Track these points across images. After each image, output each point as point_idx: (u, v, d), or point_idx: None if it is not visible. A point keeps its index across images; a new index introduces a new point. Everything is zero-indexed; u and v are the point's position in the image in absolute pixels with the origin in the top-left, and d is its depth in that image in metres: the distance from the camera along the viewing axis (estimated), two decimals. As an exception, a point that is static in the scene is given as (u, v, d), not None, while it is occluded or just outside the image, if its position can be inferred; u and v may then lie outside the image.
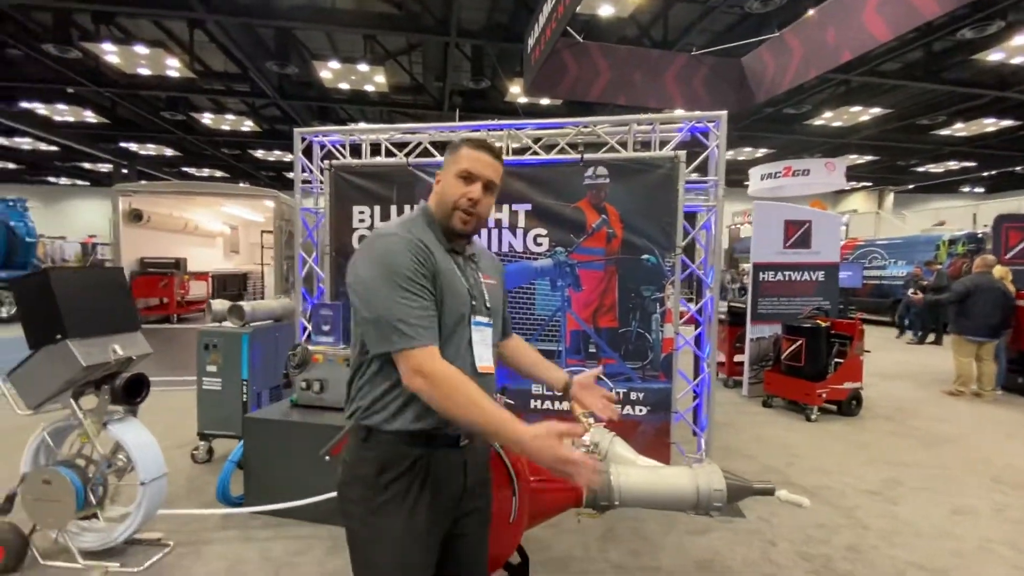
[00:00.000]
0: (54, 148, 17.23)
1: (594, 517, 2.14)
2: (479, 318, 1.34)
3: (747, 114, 12.42)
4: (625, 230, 3.30)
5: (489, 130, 3.54)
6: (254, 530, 2.88)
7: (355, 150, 3.74)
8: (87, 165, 20.32)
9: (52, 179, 23.89)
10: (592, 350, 3.37)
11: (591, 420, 2.51)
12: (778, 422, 4.98)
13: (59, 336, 2.37)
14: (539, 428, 1.08)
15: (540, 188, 3.35)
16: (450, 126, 3.50)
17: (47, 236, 16.60)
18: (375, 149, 3.65)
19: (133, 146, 17.45)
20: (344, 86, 12.10)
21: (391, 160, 3.47)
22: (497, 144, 3.58)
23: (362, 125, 3.38)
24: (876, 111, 12.71)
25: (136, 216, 6.78)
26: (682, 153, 3.22)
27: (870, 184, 22.30)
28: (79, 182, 24.36)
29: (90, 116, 14.28)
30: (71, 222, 23.56)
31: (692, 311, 3.47)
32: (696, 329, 3.63)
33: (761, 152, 17.33)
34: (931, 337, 10.39)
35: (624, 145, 3.41)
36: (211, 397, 3.75)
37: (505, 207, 3.37)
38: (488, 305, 1.38)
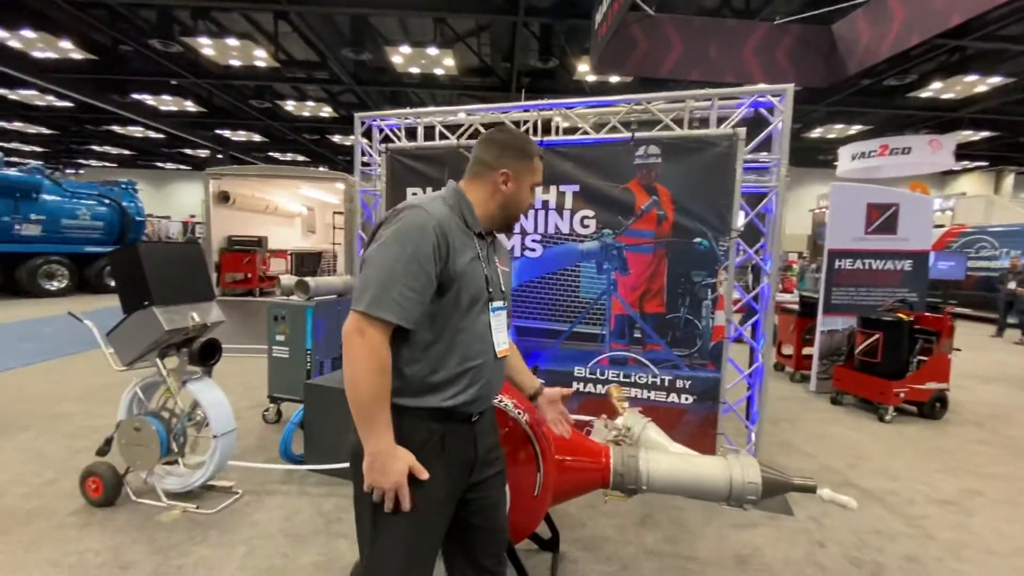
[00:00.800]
0: (161, 136, 19.05)
1: (621, 500, 2.14)
2: (496, 303, 1.39)
3: (841, 87, 11.38)
4: (677, 212, 3.19)
5: (540, 110, 3.52)
6: (310, 486, 3.13)
7: (412, 133, 3.86)
8: (188, 151, 22.30)
9: (160, 164, 26.44)
10: (637, 335, 3.31)
11: (626, 404, 2.51)
12: (846, 421, 4.65)
13: (147, 303, 2.68)
14: (401, 455, 1.20)
15: (588, 169, 3.30)
16: (500, 107, 3.51)
17: (155, 216, 18.47)
18: (431, 132, 3.75)
19: (227, 133, 18.96)
20: (415, 70, 12.40)
21: (443, 143, 3.55)
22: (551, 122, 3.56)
23: (418, 109, 3.50)
24: (996, 80, 11.22)
25: (224, 197, 7.37)
26: (741, 131, 3.04)
27: (986, 164, 19.80)
28: (182, 167, 26.80)
29: (190, 106, 15.66)
30: (175, 203, 26.09)
31: (747, 299, 3.30)
32: (752, 318, 3.46)
33: (855, 129, 15.85)
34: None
35: (680, 123, 3.27)
36: (279, 364, 4.08)
37: (552, 188, 3.36)
38: (503, 290, 1.44)
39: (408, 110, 3.70)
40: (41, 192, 10.80)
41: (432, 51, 11.33)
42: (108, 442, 2.88)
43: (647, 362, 3.29)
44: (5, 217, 10.16)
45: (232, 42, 11.47)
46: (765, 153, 3.19)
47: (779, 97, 3.10)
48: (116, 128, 18.59)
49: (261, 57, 12.18)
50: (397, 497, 1.22)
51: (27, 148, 22.50)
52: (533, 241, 3.43)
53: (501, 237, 1.66)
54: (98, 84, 13.76)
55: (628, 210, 3.26)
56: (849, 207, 5.15)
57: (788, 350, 6.17)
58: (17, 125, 18.50)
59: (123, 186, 13.18)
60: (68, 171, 24.80)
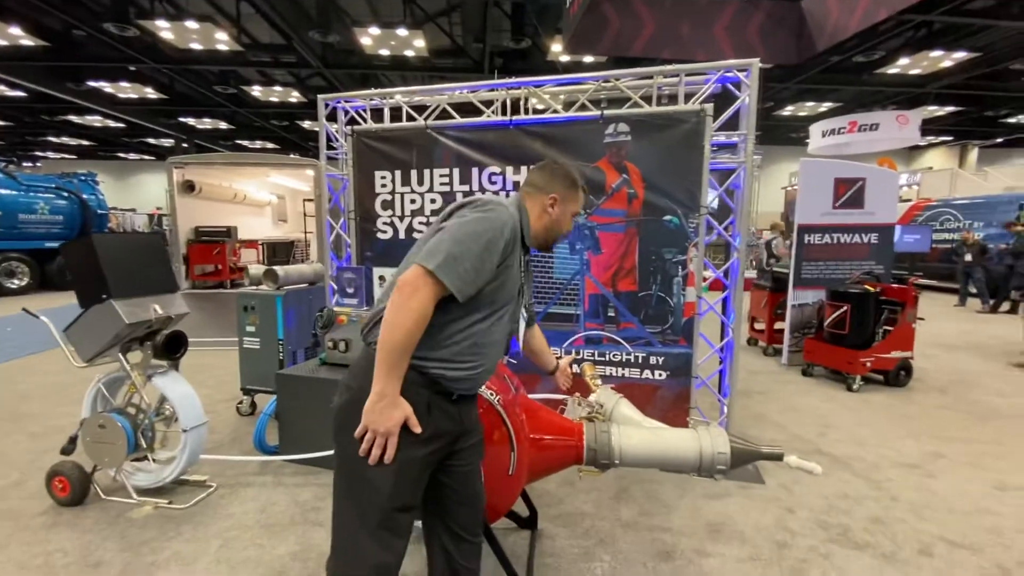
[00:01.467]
0: (121, 125, 18.31)
1: (595, 475, 2.16)
2: (523, 312, 1.63)
3: (810, 64, 11.49)
4: (647, 190, 3.19)
5: (508, 88, 3.47)
6: (286, 476, 3.10)
7: (379, 115, 3.77)
8: (152, 140, 21.53)
9: (122, 154, 25.50)
10: (611, 314, 3.33)
11: (598, 381, 2.53)
12: (816, 392, 4.78)
13: (105, 296, 2.58)
14: (402, 405, 1.28)
15: (558, 147, 3.27)
16: (469, 85, 3.44)
17: (119, 209, 17.86)
18: (397, 114, 3.66)
19: (191, 120, 18.30)
20: (384, 52, 12.12)
21: (410, 124, 3.47)
22: (513, 101, 3.51)
23: (384, 89, 3.43)
24: (961, 55, 11.45)
25: (189, 187, 7.14)
26: (708, 107, 3.04)
27: (951, 139, 20.32)
28: (145, 157, 25.88)
29: (151, 92, 15.04)
30: (141, 195, 25.22)
31: (718, 274, 3.34)
32: (723, 293, 3.50)
33: (827, 106, 16.08)
34: (1006, 306, 9.56)
35: (648, 100, 3.26)
36: (251, 355, 4.00)
37: (523, 168, 3.32)
38: (524, 296, 1.61)
39: (374, 91, 3.60)
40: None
41: (402, 32, 11.07)
42: (72, 440, 2.80)
43: (621, 340, 3.32)
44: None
45: (192, 24, 11.01)
46: (734, 133, 3.20)
47: (745, 72, 3.10)
48: (73, 118, 17.81)
49: (223, 40, 11.73)
50: (384, 447, 1.28)
51: (-23, 141, 21.42)
52: (505, 223, 3.40)
53: None
54: (51, 72, 13.13)
55: (599, 189, 3.25)
56: (818, 182, 5.23)
57: (761, 325, 6.30)
58: (-35, 117, 17.56)
59: (83, 178, 12.68)
60: (25, 164, 23.74)
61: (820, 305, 5.25)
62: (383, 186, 3.56)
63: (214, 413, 4.04)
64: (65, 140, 21.55)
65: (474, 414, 1.61)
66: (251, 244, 8.93)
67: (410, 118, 3.60)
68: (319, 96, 3.71)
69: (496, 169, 3.36)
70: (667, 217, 3.18)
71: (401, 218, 3.54)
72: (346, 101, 3.68)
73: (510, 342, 1.63)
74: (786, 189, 15.53)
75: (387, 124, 3.61)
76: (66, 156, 25.27)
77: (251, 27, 11.57)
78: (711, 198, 3.18)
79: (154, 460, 2.94)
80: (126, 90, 14.83)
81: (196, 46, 11.89)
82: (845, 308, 4.77)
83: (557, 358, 2.08)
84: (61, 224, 11.92)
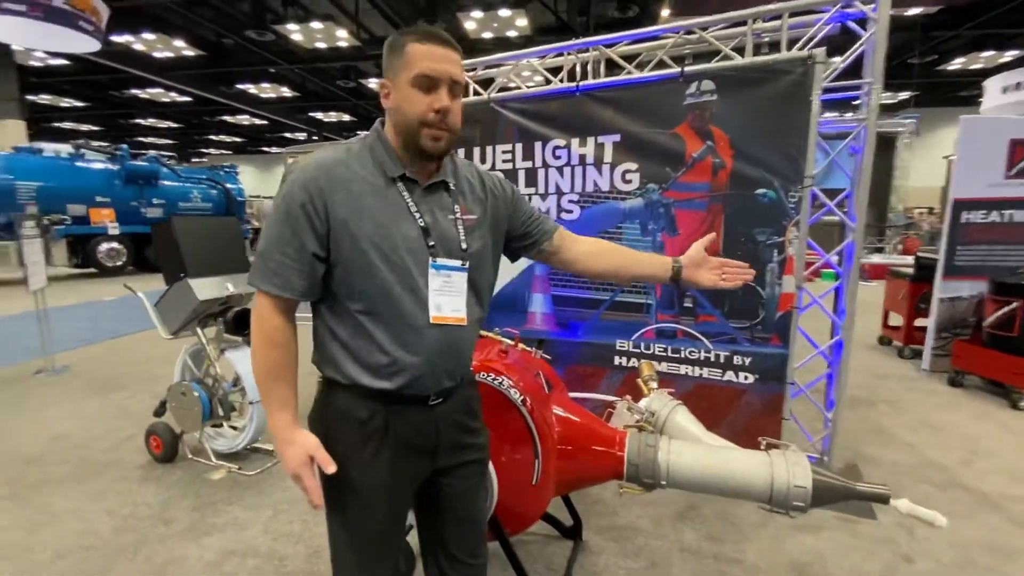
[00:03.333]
0: (264, 122, 20.64)
1: (638, 493, 1.85)
2: (443, 260, 1.13)
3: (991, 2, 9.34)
4: (736, 159, 2.70)
5: (574, 51, 3.14)
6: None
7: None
8: (288, 135, 23.99)
9: (265, 148, 28.77)
10: (688, 305, 2.90)
11: (653, 384, 2.18)
12: (965, 407, 3.84)
13: (182, 275, 2.78)
14: (298, 440, 1.08)
15: (631, 114, 2.89)
16: (525, 53, 3.17)
17: (261, 196, 20.21)
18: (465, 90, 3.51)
19: (319, 115, 20.09)
20: (487, 35, 12.14)
21: (471, 99, 3.30)
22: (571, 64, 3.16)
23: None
24: None
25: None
26: (820, 51, 2.46)
27: None
28: (284, 150, 29.02)
29: (286, 91, 16.72)
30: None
31: (826, 258, 2.75)
32: (836, 282, 2.89)
33: (1011, 55, 13.09)
34: None
35: (741, 51, 2.73)
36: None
37: (590, 140, 2.99)
38: (464, 247, 1.16)
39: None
40: (160, 178, 12.16)
41: (504, 12, 10.97)
42: (162, 405, 3.10)
43: (699, 335, 2.89)
44: (132, 202, 11.60)
45: (316, 24, 11.93)
46: (857, 82, 2.56)
47: (872, 5, 2.46)
48: (227, 118, 20.42)
49: (343, 37, 12.58)
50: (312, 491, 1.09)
51: (161, 141, 25.51)
52: (570, 202, 3.11)
53: (492, 175, 1.33)
54: (209, 78, 15.06)
55: (677, 160, 2.82)
56: (985, 145, 4.14)
57: (897, 320, 5.26)
58: (151, 121, 20.95)
59: (227, 170, 14.52)
60: (194, 160, 27.87)
61: (979, 300, 4.21)
62: (446, 165, 3.45)
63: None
64: (222, 138, 24.84)
65: (468, 421, 1.28)
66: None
67: (476, 94, 3.43)
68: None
69: (561, 142, 3.07)
70: (761, 191, 2.67)
71: (463, 198, 3.40)
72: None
73: (483, 304, 1.24)
74: (950, 159, 12.99)
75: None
76: (224, 152, 29.18)
77: (367, 22, 12.24)
78: (819, 167, 2.61)
79: (232, 427, 3.16)
80: (267, 90, 16.62)
81: (321, 45, 12.90)
82: (1015, 305, 3.75)
83: (678, 260, 1.33)
84: (210, 209, 13.79)
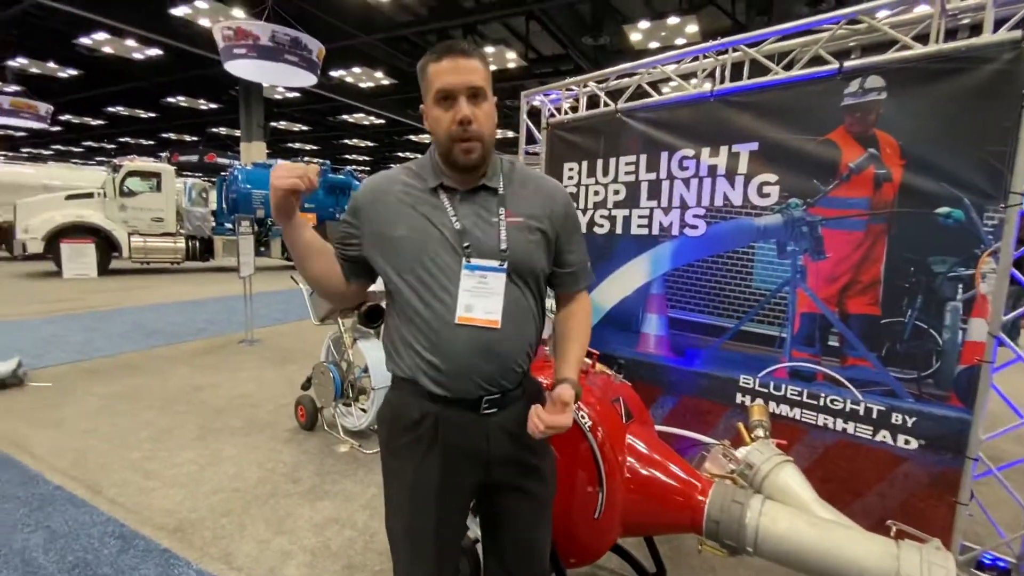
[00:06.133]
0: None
1: (721, 555, 1.61)
2: (477, 261, 1.15)
3: None
4: (908, 169, 2.19)
5: (712, 53, 2.86)
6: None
7: (593, 105, 3.59)
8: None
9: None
10: (833, 343, 2.42)
11: (760, 433, 1.88)
12: None
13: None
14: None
15: (773, 119, 2.53)
16: (659, 60, 2.95)
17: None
18: (595, 101, 3.43)
19: (492, 133, 21.63)
20: (654, 45, 11.83)
21: (599, 111, 3.21)
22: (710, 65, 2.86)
23: (576, 78, 3.26)
24: None
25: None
26: (1039, 32, 1.89)
27: None
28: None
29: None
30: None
31: (1043, 303, 2.07)
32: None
33: None
34: None
35: (923, 40, 2.21)
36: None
37: (723, 149, 2.69)
38: (503, 247, 1.17)
39: (570, 80, 3.47)
40: (352, 189, 14.24)
41: (673, 20, 10.60)
42: (309, 380, 3.58)
43: (846, 382, 2.39)
44: (330, 208, 13.76)
45: (490, 49, 12.88)
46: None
47: None
48: (412, 137, 23.10)
49: (512, 59, 13.37)
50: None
51: (360, 158, 29.89)
52: (695, 216, 2.83)
53: (543, 179, 1.38)
54: (397, 103, 17.24)
55: (828, 171, 2.39)
56: None
57: None
58: (354, 141, 24.71)
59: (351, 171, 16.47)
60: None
61: None
62: (570, 178, 3.40)
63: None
64: (407, 154, 28.17)
65: (528, 441, 1.18)
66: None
67: (606, 104, 3.34)
68: (522, 93, 3.79)
69: (689, 152, 2.82)
70: (942, 209, 2.13)
71: (584, 211, 3.32)
72: (543, 95, 3.64)
73: (536, 329, 1.25)
74: None
75: (579, 113, 3.43)
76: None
77: (536, 42, 12.86)
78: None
79: (361, 409, 3.52)
80: (446, 111, 18.45)
81: (492, 67, 13.88)
82: None
83: (552, 385, 1.22)
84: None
